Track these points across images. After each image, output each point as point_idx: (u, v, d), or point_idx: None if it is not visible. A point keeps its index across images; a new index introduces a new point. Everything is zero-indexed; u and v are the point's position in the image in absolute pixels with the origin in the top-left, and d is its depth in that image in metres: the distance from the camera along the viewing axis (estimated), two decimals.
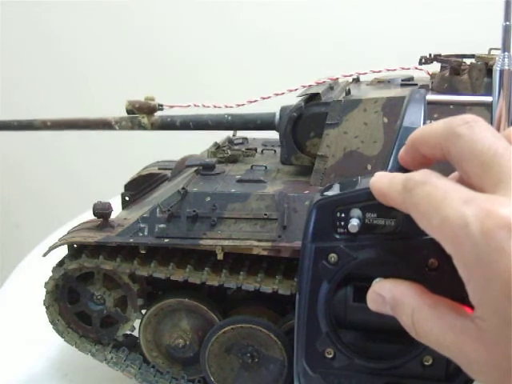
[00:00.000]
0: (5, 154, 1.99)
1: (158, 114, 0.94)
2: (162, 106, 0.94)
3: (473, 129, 0.35)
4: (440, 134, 0.37)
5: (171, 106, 0.94)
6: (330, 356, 0.43)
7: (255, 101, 0.92)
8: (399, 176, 0.37)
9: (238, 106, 0.93)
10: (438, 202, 0.33)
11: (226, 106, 0.93)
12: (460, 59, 0.80)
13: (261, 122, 0.91)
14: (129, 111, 0.94)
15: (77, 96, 1.91)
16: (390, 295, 0.37)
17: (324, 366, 0.43)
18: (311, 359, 0.43)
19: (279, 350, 0.76)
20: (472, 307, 0.34)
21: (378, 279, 0.39)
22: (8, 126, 0.96)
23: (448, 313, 0.35)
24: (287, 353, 0.76)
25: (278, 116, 0.89)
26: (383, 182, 0.38)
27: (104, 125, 0.94)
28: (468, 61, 0.80)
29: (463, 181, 0.36)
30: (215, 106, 0.93)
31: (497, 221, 0.31)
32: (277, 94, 0.92)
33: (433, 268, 0.39)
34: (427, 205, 0.34)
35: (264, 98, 0.92)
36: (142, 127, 0.94)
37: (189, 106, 0.94)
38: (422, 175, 0.36)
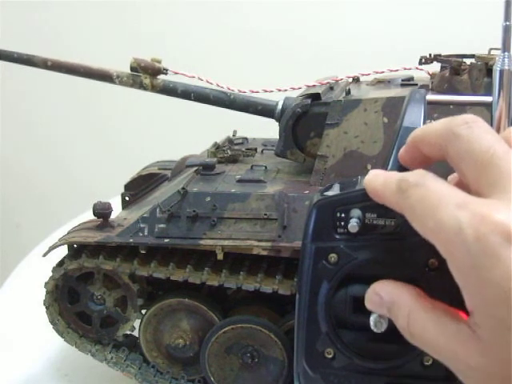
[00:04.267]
0: (5, 154, 1.98)
1: (161, 77, 0.93)
2: (167, 70, 0.92)
3: (472, 129, 0.35)
4: (439, 134, 0.36)
5: (176, 73, 0.92)
6: (330, 356, 0.42)
7: (257, 91, 0.92)
8: (394, 176, 0.37)
9: (240, 92, 0.92)
10: (433, 206, 0.33)
11: (229, 89, 0.92)
12: (460, 59, 0.80)
13: (261, 108, 0.91)
14: (133, 69, 0.92)
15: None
16: (388, 296, 0.37)
17: (324, 366, 0.43)
18: (311, 359, 0.43)
19: (279, 350, 0.76)
20: (468, 313, 0.33)
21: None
22: (7, 57, 0.93)
23: (443, 317, 0.34)
24: (287, 353, 0.76)
25: (280, 106, 0.89)
26: (378, 181, 0.38)
27: (105, 76, 0.92)
28: (468, 61, 0.80)
29: (462, 182, 0.36)
30: (218, 85, 0.92)
31: (491, 227, 0.30)
32: (279, 90, 0.92)
33: (433, 268, 0.39)
34: (422, 208, 0.34)
35: (266, 91, 0.92)
36: (142, 87, 0.92)
37: (193, 77, 0.93)
38: (417, 176, 0.35)
